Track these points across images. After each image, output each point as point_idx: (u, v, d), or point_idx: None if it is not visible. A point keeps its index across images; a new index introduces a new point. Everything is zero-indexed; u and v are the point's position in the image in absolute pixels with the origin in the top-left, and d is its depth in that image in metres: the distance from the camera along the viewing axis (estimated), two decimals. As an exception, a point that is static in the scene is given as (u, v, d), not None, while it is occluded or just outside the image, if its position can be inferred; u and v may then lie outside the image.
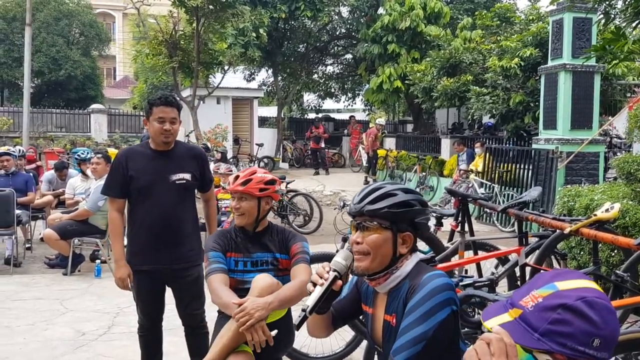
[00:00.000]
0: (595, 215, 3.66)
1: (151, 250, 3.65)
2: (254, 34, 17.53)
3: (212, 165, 13.43)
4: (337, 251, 2.57)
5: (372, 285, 2.04)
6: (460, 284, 3.13)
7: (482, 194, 10.84)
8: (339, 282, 1.98)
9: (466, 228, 4.87)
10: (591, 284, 1.34)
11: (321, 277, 1.97)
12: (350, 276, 2.21)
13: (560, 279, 1.35)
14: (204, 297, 3.82)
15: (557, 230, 3.95)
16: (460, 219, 4.85)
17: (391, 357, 1.84)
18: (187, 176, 3.66)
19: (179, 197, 3.65)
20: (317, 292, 1.95)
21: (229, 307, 2.84)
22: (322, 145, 19.90)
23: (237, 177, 3.21)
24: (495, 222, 10.84)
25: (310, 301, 1.94)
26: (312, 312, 1.95)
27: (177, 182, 3.63)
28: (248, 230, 3.20)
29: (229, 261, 3.15)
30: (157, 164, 3.64)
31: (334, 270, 1.97)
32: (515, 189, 10.91)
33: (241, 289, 3.09)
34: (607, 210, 3.62)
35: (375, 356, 2.50)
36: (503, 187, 11.23)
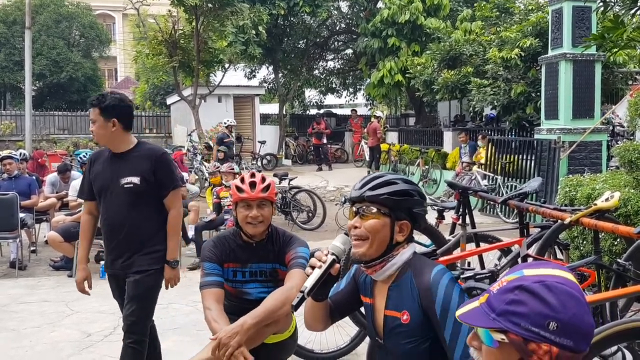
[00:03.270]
0: (595, 204, 3.66)
1: (110, 254, 3.65)
2: (253, 32, 17.52)
3: (212, 163, 13.45)
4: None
5: (369, 274, 2.08)
6: (462, 276, 3.13)
7: (485, 185, 10.83)
8: (337, 265, 2.01)
9: (467, 220, 4.86)
10: (560, 272, 1.33)
11: (319, 260, 2.00)
12: (352, 266, 2.24)
13: (531, 267, 1.36)
14: (144, 307, 3.59)
15: (559, 221, 3.95)
16: (461, 211, 4.85)
17: None
18: (136, 180, 3.48)
19: (129, 202, 3.50)
20: (315, 274, 1.98)
21: (213, 334, 2.78)
22: (324, 141, 19.88)
23: (252, 183, 2.98)
24: (499, 213, 10.83)
25: (308, 283, 1.97)
26: (310, 293, 1.98)
27: (125, 186, 3.49)
28: (253, 239, 3.03)
29: (227, 272, 3.03)
30: (112, 167, 3.55)
31: (332, 254, 2.00)
32: (518, 180, 10.90)
33: (241, 300, 3.06)
34: (607, 200, 3.61)
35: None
36: (506, 179, 11.22)
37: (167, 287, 3.69)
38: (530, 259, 4.00)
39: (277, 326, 2.93)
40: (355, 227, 2.01)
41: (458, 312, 1.40)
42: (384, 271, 2.02)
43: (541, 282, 1.30)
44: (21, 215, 7.59)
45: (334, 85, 25.92)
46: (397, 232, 2.01)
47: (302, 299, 1.97)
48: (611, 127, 11.68)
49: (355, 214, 2.04)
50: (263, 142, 19.75)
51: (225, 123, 14.96)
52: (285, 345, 3.14)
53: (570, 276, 1.34)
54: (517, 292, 1.30)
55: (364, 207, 2.01)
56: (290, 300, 2.73)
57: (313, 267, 2.00)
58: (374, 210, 1.99)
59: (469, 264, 4.84)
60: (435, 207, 5.33)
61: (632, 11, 4.82)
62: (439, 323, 1.89)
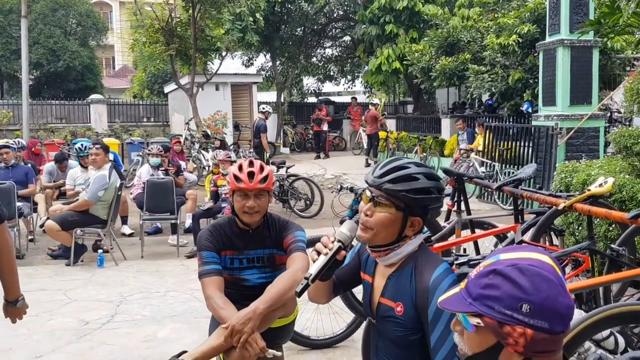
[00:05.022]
0: (589, 190, 3.67)
1: None
2: (250, 19, 17.44)
3: (210, 153, 13.44)
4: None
5: (373, 256, 2.07)
6: (456, 262, 3.14)
7: (483, 172, 10.85)
8: (343, 252, 1.99)
9: (462, 207, 4.88)
10: (535, 255, 1.34)
11: (325, 247, 1.98)
12: (355, 242, 2.23)
13: (507, 251, 1.37)
14: None
15: (553, 207, 3.96)
16: (456, 198, 4.86)
17: None
18: None
19: None
20: (321, 260, 1.96)
21: (222, 321, 2.76)
22: (324, 128, 19.84)
23: (251, 173, 2.95)
24: (497, 200, 10.85)
25: (313, 269, 1.95)
26: (315, 280, 1.96)
27: None
28: (250, 227, 3.03)
29: (224, 259, 3.02)
30: None
31: (339, 241, 1.98)
32: (515, 166, 10.91)
33: (240, 286, 3.06)
34: (600, 185, 3.62)
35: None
36: (504, 165, 11.23)
37: (13, 321, 3.09)
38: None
39: (284, 310, 2.94)
40: (366, 215, 1.97)
41: (440, 299, 1.42)
42: (388, 259, 2.01)
43: (514, 265, 1.31)
44: (18, 204, 7.59)
45: (331, 73, 25.84)
46: (408, 227, 1.98)
47: (307, 286, 1.96)
48: (609, 114, 11.67)
49: (369, 200, 1.99)
50: (261, 130, 19.68)
51: (262, 109, 14.89)
52: (286, 330, 3.16)
53: (545, 258, 1.34)
54: (492, 276, 1.32)
55: (380, 197, 1.96)
56: (297, 282, 2.73)
57: (319, 253, 1.99)
58: (389, 203, 1.95)
59: (464, 250, 4.85)
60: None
61: (628, -4, 4.80)
62: (429, 326, 1.89)
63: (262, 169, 3.00)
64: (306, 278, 1.95)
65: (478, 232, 4.74)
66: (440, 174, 12.92)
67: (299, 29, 22.08)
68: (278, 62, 22.83)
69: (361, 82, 25.84)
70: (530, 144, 10.61)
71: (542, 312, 1.27)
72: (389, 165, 2.00)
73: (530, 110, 14.13)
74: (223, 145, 13.19)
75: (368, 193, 2.00)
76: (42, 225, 8.18)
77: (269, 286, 2.86)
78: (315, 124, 19.83)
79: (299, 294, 1.99)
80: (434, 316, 1.86)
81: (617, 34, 5.88)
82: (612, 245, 3.79)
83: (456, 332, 1.42)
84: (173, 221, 8.28)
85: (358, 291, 2.54)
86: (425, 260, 1.98)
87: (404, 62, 16.49)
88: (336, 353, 4.44)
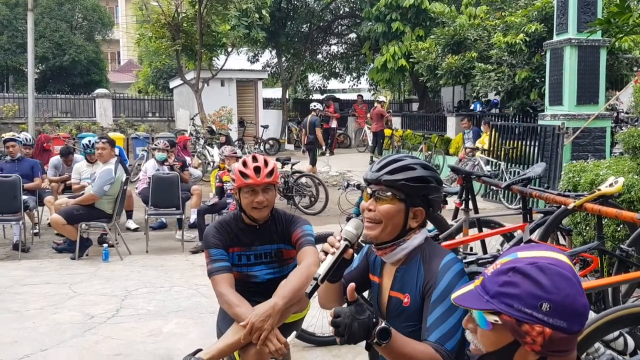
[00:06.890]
0: (599, 190, 3.65)
1: None
2: (256, 15, 17.42)
3: (216, 149, 13.42)
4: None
5: (379, 255, 2.09)
6: (464, 261, 3.13)
7: (489, 171, 10.81)
8: (350, 250, 1.99)
9: (470, 206, 4.85)
10: (553, 254, 1.33)
11: (332, 246, 1.98)
12: (363, 245, 2.22)
13: (524, 250, 1.37)
14: None
15: (562, 206, 3.94)
16: (464, 196, 4.84)
17: (437, 345, 1.83)
18: None
19: None
20: (329, 260, 1.96)
21: (238, 319, 2.76)
22: (332, 125, 19.80)
23: (257, 168, 2.95)
24: (502, 199, 10.82)
25: (321, 270, 1.95)
26: (324, 280, 1.95)
27: None
28: (257, 222, 3.02)
29: (232, 256, 3.01)
30: None
31: (345, 239, 1.98)
32: (521, 165, 10.88)
33: (248, 283, 3.05)
34: (611, 185, 3.60)
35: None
36: (509, 164, 11.20)
37: None
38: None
39: (299, 305, 2.93)
40: (370, 210, 2.00)
41: (454, 295, 1.41)
42: (394, 254, 2.03)
43: (534, 263, 1.30)
44: (24, 197, 7.59)
45: (337, 70, 25.80)
46: (411, 218, 2.01)
47: (316, 286, 1.94)
48: (615, 114, 11.63)
49: (370, 196, 2.03)
50: (266, 127, 19.69)
51: (314, 106, 14.82)
52: (296, 325, 3.15)
53: (563, 258, 1.33)
54: (510, 274, 1.30)
55: (380, 190, 2.00)
56: (312, 277, 2.75)
57: (326, 253, 1.99)
58: (390, 194, 1.98)
59: (471, 249, 4.83)
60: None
61: (639, -4, 4.77)
62: (429, 306, 1.89)
63: (266, 163, 3.00)
64: (315, 278, 1.94)
65: (485, 230, 4.72)
66: (446, 172, 12.91)
67: (304, 26, 22.06)
68: (283, 59, 22.81)
69: (366, 79, 25.80)
70: (536, 143, 10.58)
71: (562, 311, 1.26)
72: (386, 160, 2.06)
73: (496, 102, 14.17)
74: (228, 141, 13.18)
75: (368, 190, 2.04)
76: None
77: (283, 281, 2.86)
78: (324, 121, 19.83)
79: (309, 295, 1.97)
80: (438, 297, 1.88)
81: (626, 34, 5.84)
82: (622, 246, 3.77)
83: (468, 330, 1.40)
84: (178, 216, 8.28)
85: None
86: (432, 250, 2.01)
87: (410, 60, 16.45)
88: (342, 350, 4.42)
